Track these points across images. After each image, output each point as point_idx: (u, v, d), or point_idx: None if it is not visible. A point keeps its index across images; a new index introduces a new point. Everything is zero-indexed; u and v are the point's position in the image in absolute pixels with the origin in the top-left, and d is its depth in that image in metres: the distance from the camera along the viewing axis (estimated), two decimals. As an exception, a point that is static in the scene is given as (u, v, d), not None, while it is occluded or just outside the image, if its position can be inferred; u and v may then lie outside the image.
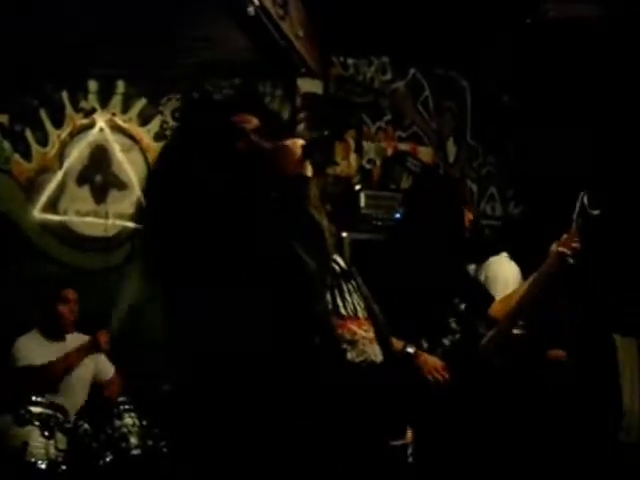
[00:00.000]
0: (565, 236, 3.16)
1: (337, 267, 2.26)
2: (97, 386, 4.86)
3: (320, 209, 2.02)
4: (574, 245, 3.09)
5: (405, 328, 3.08)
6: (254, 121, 2.06)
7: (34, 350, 4.69)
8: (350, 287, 2.26)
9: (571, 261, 3.09)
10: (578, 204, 3.12)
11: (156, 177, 2.11)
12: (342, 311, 2.17)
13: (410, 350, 3.21)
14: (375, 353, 2.18)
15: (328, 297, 2.11)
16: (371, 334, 2.20)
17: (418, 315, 3.26)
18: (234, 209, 1.92)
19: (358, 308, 2.23)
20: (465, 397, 3.26)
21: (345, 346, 2.12)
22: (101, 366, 4.93)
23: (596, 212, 3.09)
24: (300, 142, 2.04)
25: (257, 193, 1.98)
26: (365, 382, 2.10)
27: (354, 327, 2.17)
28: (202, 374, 1.98)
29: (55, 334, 4.79)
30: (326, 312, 2.06)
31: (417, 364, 3.20)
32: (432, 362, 3.22)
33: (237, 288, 1.87)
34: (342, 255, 2.36)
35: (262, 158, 2.03)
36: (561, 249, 3.10)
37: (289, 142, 2.04)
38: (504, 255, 4.41)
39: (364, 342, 2.17)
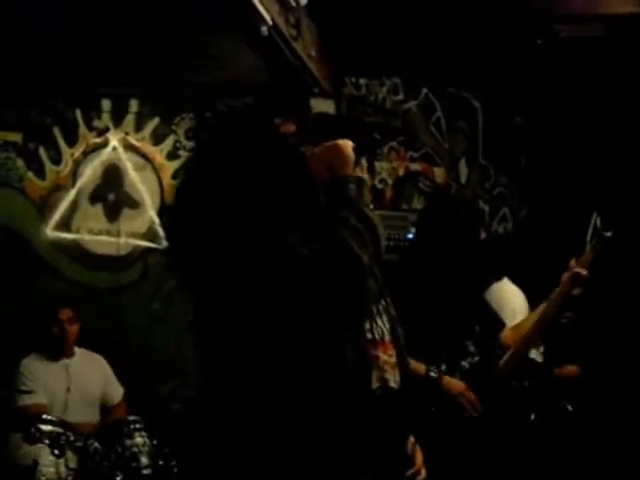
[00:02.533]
0: (576, 264, 3.13)
1: None
2: (103, 410, 4.85)
3: (371, 209, 1.97)
4: (584, 273, 3.06)
5: (423, 351, 3.07)
6: (291, 127, 2.02)
7: (39, 371, 4.68)
8: (380, 307, 2.18)
9: (580, 290, 3.07)
10: (591, 226, 3.08)
11: (186, 190, 2.02)
12: (368, 335, 2.10)
13: (433, 375, 3.20)
14: (395, 380, 2.12)
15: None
16: (394, 359, 2.14)
17: (435, 337, 3.24)
18: (277, 214, 1.87)
19: (385, 331, 2.16)
20: (485, 419, 3.24)
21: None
22: (111, 388, 4.92)
23: (609, 234, 3.05)
24: (350, 143, 1.99)
25: (306, 196, 1.92)
26: (379, 409, 2.05)
27: (378, 352, 2.10)
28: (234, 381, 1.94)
29: (57, 354, 4.79)
30: (364, 323, 2.01)
31: (442, 389, 3.20)
32: (457, 385, 3.22)
33: (277, 292, 1.81)
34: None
35: (309, 162, 1.98)
36: (573, 274, 3.08)
37: (340, 142, 1.99)
38: (506, 280, 4.36)
39: (386, 368, 2.10)
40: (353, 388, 1.93)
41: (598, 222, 3.04)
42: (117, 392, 4.93)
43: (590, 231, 3.06)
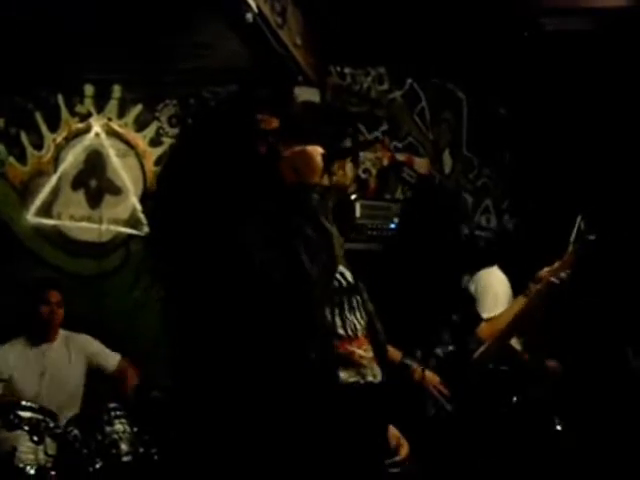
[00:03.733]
0: (557, 264, 3.15)
1: (343, 281, 2.17)
2: (110, 381, 4.81)
3: (331, 221, 1.98)
4: (564, 274, 3.09)
5: (400, 337, 3.08)
6: (274, 123, 2.02)
7: (18, 357, 4.64)
8: (354, 303, 2.17)
9: (559, 289, 3.09)
10: (575, 229, 3.09)
11: (165, 178, 2.06)
12: (340, 331, 2.10)
13: (408, 362, 3.22)
14: (374, 373, 2.12)
15: (328, 315, 2.05)
16: (371, 353, 2.13)
17: (412, 325, 3.26)
18: (240, 212, 1.88)
19: (359, 327, 2.15)
20: (457, 407, 3.27)
21: (339, 366, 2.06)
22: (98, 361, 4.88)
23: (592, 237, 3.06)
24: (321, 150, 2.00)
25: (267, 199, 1.92)
26: (358, 403, 2.05)
27: (352, 347, 2.10)
28: (199, 382, 1.95)
29: (39, 338, 4.74)
30: (325, 325, 2.01)
31: (415, 378, 3.22)
32: (431, 378, 3.25)
33: (236, 294, 1.83)
34: (349, 267, 2.27)
35: (280, 163, 1.98)
36: (552, 279, 3.11)
37: (310, 149, 2.00)
38: (495, 268, 4.40)
39: (361, 362, 2.10)
40: (318, 383, 1.94)
41: (582, 225, 3.04)
42: (110, 359, 4.89)
43: (574, 232, 3.07)
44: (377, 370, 2.12)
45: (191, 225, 1.90)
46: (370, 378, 2.09)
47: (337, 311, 2.09)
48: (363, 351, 2.11)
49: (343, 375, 2.03)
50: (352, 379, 2.05)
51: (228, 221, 1.87)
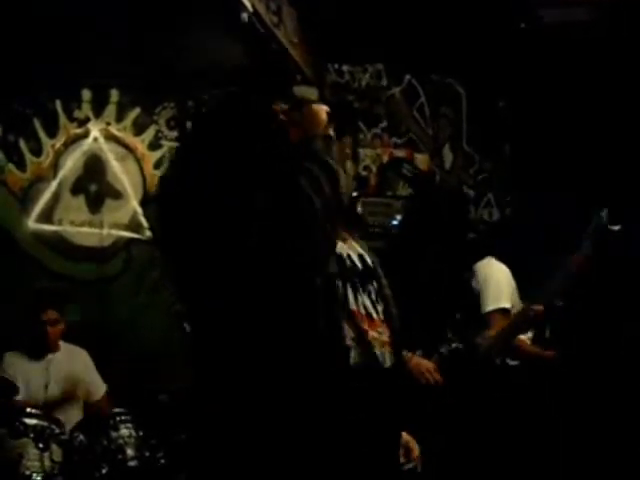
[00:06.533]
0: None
1: (359, 264, 2.19)
2: (85, 406, 4.79)
3: (341, 168, 2.06)
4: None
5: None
6: (282, 105, 2.11)
7: (18, 368, 4.62)
8: (370, 287, 2.18)
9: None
10: (595, 219, 3.05)
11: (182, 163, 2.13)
12: (352, 307, 2.11)
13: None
14: (385, 358, 2.12)
15: (340, 287, 2.05)
16: (385, 337, 2.13)
17: (415, 323, 3.25)
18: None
19: (374, 309, 2.15)
20: (465, 401, 3.26)
21: (349, 343, 2.04)
22: (92, 384, 4.85)
23: (617, 227, 3.03)
24: (325, 107, 2.12)
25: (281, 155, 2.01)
26: (364, 386, 2.03)
27: (364, 326, 2.09)
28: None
29: (41, 352, 4.72)
30: (329, 256, 2.02)
31: (409, 367, 3.21)
32: (424, 364, 3.24)
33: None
34: (369, 254, 2.30)
35: (290, 126, 2.08)
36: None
37: (315, 106, 2.12)
38: (492, 258, 4.40)
39: (374, 343, 2.10)
40: (327, 360, 1.93)
41: (604, 216, 3.01)
42: (99, 388, 4.86)
43: (592, 225, 3.04)
44: (389, 355, 2.12)
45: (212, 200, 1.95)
46: (380, 361, 2.09)
47: (350, 288, 2.09)
48: (377, 333, 2.11)
49: (352, 354, 2.02)
50: (359, 359, 2.05)
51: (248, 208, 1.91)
